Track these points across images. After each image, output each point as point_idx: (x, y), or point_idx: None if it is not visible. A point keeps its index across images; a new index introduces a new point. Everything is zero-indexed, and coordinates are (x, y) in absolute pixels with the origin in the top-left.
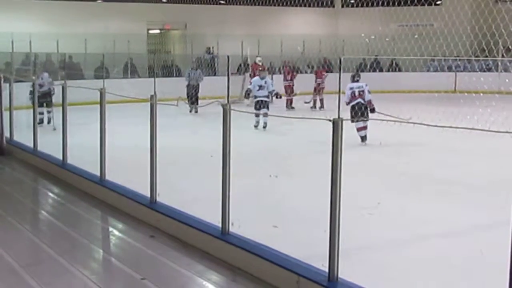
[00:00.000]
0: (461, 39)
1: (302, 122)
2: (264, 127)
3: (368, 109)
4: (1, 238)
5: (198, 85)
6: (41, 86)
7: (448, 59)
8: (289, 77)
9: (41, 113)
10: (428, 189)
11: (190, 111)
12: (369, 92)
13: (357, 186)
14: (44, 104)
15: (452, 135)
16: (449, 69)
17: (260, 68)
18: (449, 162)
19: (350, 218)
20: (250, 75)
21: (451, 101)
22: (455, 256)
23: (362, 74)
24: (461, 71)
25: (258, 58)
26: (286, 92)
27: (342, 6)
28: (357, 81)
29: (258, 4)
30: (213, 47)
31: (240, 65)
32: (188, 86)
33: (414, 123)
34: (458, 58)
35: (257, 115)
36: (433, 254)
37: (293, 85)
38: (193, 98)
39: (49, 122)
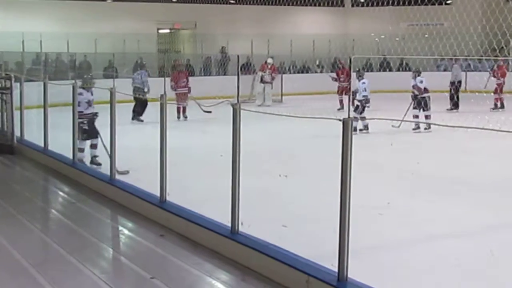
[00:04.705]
0: (471, 39)
1: (312, 121)
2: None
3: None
4: (12, 237)
5: (142, 89)
6: None
7: (458, 58)
8: (342, 78)
9: None
10: (439, 189)
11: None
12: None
13: (367, 186)
14: None
15: (463, 135)
16: (460, 68)
17: (268, 69)
18: (459, 162)
19: (360, 218)
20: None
21: (462, 100)
22: (466, 256)
23: (370, 73)
24: (472, 71)
25: (269, 60)
26: (338, 93)
27: (352, 6)
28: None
29: (268, 4)
30: (223, 47)
31: (249, 64)
32: (135, 89)
33: (425, 122)
34: (468, 57)
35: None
36: (443, 254)
37: (348, 86)
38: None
39: None
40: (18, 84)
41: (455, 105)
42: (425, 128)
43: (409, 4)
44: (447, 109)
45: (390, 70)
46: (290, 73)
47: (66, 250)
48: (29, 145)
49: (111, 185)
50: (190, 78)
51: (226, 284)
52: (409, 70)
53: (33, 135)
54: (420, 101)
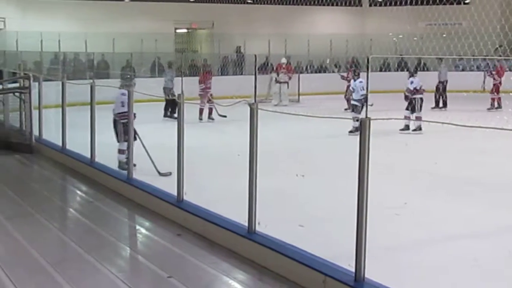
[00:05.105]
0: (490, 38)
1: (329, 121)
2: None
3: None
4: (30, 236)
5: (171, 89)
6: None
7: (476, 58)
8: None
9: None
10: (456, 189)
11: (165, 116)
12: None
13: (384, 186)
14: None
15: (481, 135)
16: (478, 68)
17: (283, 69)
18: (477, 162)
19: (376, 218)
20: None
21: (480, 101)
22: (483, 256)
23: (388, 73)
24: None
25: (283, 60)
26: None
27: (370, 5)
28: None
29: (285, 3)
30: (238, 47)
31: (266, 64)
32: (164, 89)
33: (443, 122)
34: (487, 57)
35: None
36: (460, 255)
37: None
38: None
39: None
40: (36, 83)
41: (444, 103)
42: (414, 130)
43: (427, 3)
44: (432, 108)
45: (408, 70)
46: (307, 73)
47: (83, 249)
48: (48, 144)
49: (129, 184)
50: None
51: (243, 283)
52: (427, 70)
53: (51, 134)
54: (412, 102)
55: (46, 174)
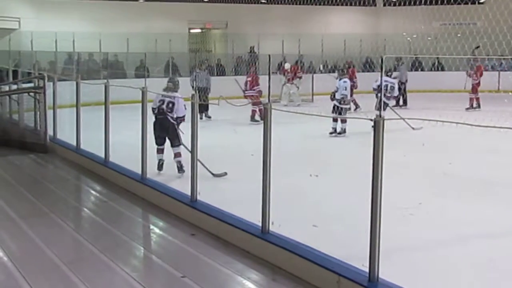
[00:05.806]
0: (505, 38)
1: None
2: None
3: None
4: (45, 235)
5: (207, 88)
6: None
7: (491, 58)
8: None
9: None
10: (471, 189)
11: (201, 118)
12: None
13: (398, 186)
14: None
15: (496, 135)
16: (493, 68)
17: (288, 73)
18: (492, 162)
19: (391, 218)
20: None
21: (495, 100)
22: (498, 256)
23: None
24: (505, 71)
25: (287, 64)
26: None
27: (384, 5)
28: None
29: (299, 3)
30: (252, 47)
31: (281, 64)
32: (201, 89)
33: (458, 122)
34: (502, 57)
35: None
36: (476, 255)
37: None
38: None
39: None
40: (51, 83)
41: (404, 102)
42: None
43: (442, 3)
44: (392, 106)
45: (422, 69)
46: (321, 73)
47: (98, 248)
48: (62, 144)
49: (143, 184)
50: (221, 78)
51: (256, 283)
52: (442, 69)
53: (66, 134)
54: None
55: (61, 174)
